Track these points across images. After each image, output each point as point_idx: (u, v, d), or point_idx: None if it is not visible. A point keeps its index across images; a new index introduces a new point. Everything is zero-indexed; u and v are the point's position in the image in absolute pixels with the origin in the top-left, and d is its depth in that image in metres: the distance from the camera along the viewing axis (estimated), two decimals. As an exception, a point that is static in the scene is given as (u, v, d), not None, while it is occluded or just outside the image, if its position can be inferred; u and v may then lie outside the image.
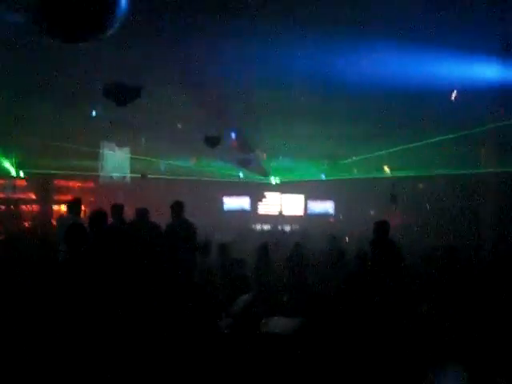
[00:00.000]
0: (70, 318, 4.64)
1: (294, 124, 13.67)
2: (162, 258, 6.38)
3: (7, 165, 13.20)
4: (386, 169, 17.47)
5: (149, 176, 16.23)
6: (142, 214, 7.59)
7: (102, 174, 16.29)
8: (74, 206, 7.30)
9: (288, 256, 9.99)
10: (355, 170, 16.77)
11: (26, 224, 12.81)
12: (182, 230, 7.02)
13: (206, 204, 18.31)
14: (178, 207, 7.21)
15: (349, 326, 5.56)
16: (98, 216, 6.06)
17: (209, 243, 8.17)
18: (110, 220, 6.70)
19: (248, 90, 11.29)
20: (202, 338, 4.51)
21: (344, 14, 8.58)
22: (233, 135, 11.99)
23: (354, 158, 15.84)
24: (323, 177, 18.48)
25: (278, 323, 5.35)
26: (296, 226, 18.02)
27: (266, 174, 19.04)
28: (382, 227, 6.93)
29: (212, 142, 11.37)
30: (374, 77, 10.35)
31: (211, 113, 12.18)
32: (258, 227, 17.91)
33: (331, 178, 18.10)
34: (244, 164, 15.44)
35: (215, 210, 19.28)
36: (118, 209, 7.39)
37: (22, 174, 13.99)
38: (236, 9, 8.30)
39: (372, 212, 20.71)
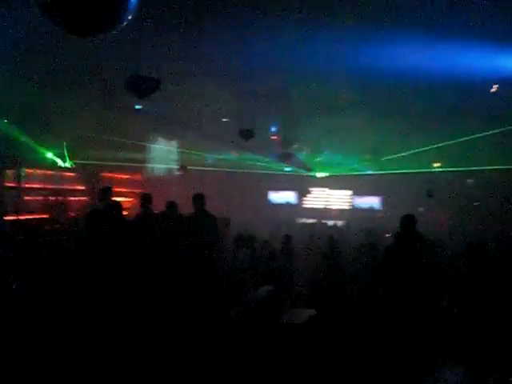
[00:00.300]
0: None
1: (338, 118, 13.65)
2: (180, 245, 6.65)
3: (54, 156, 13.67)
4: (436, 164, 17.20)
5: (189, 168, 16.48)
6: (171, 206, 7.85)
7: (149, 166, 16.72)
8: (103, 193, 7.58)
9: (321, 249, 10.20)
10: (400, 165, 16.50)
11: (73, 214, 13.25)
12: (201, 221, 7.21)
13: (252, 197, 18.51)
14: (199, 199, 7.40)
15: (360, 318, 5.61)
16: (114, 206, 6.28)
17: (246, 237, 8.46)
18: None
19: (291, 83, 11.37)
20: (207, 323, 4.67)
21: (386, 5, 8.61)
22: (273, 129, 12.03)
23: (400, 153, 15.57)
24: (369, 171, 18.30)
25: (301, 314, 5.44)
26: (340, 221, 17.95)
27: (309, 169, 19.02)
28: (408, 221, 6.89)
29: (246, 134, 11.51)
30: (419, 70, 10.27)
31: (253, 107, 12.35)
32: (303, 221, 17.91)
33: (378, 172, 17.91)
34: (284, 159, 15.51)
35: (261, 203, 19.40)
36: (146, 198, 7.64)
37: (68, 165, 14.51)
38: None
39: (421, 209, 20.36)
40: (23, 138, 11.61)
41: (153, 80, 8.05)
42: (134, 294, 5.24)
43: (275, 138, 12.45)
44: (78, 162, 14.23)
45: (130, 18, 4.19)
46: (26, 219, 11.58)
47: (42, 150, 13.03)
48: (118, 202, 6.70)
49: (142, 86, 7.91)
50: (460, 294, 6.18)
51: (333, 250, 10.05)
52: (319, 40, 9.32)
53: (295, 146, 13.51)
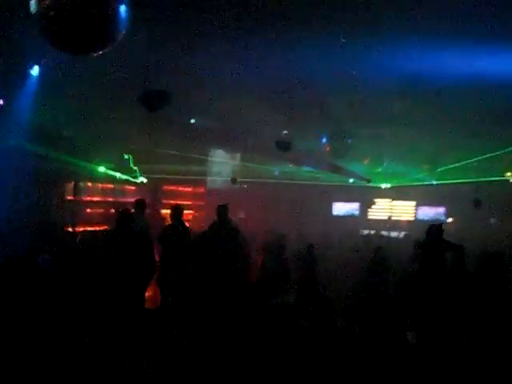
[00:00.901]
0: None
1: (392, 129, 13.48)
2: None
3: (111, 170, 14.26)
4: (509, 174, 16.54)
5: (238, 180, 16.80)
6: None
7: (210, 179, 17.13)
8: (137, 206, 8.01)
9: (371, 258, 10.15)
10: (465, 174, 15.97)
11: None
12: (224, 230, 7.42)
13: (315, 209, 18.50)
14: (222, 209, 7.64)
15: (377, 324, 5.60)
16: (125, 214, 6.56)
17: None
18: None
19: (347, 93, 11.37)
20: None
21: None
22: (324, 140, 12.04)
23: (462, 161, 15.09)
24: (434, 181, 17.83)
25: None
26: (402, 232, 17.57)
27: (369, 181, 18.78)
28: (434, 230, 6.83)
29: (283, 146, 11.56)
30: (476, 81, 10.04)
31: (307, 118, 12.41)
32: (365, 232, 17.66)
33: (443, 182, 17.41)
34: (335, 170, 15.46)
35: (324, 214, 19.33)
36: (176, 211, 7.92)
37: (143, 180, 15.14)
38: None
39: (492, 220, 19.52)
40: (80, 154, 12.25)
41: (163, 94, 8.32)
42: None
43: (327, 148, 12.43)
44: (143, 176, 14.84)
45: (120, 37, 4.41)
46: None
47: (97, 164, 13.63)
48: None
49: (153, 100, 8.18)
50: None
51: (380, 261, 9.99)
52: (368, 50, 9.33)
53: (348, 157, 13.38)
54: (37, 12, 4.12)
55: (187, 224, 8.57)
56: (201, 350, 5.08)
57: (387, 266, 9.71)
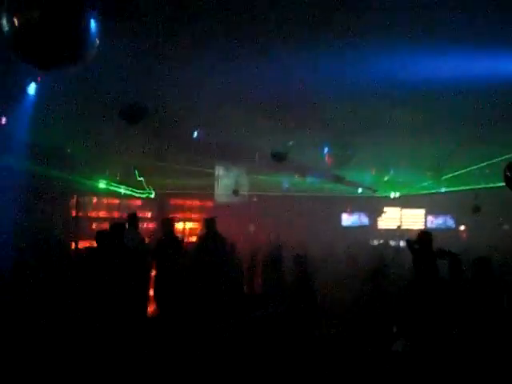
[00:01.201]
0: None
1: (399, 137, 13.42)
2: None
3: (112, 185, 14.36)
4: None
5: (241, 192, 16.84)
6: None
7: (217, 192, 17.17)
8: (131, 220, 8.07)
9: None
10: (472, 181, 15.80)
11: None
12: (213, 242, 7.49)
13: (324, 220, 18.45)
14: (209, 222, 7.77)
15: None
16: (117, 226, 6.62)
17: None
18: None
19: (349, 102, 11.37)
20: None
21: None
22: (326, 150, 12.01)
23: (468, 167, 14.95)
24: (443, 189, 17.67)
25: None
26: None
27: (375, 191, 18.67)
28: (423, 238, 6.77)
29: (279, 157, 11.53)
30: (476, 86, 9.99)
31: (308, 128, 12.41)
32: (375, 242, 17.56)
33: (451, 189, 17.25)
34: (337, 180, 15.40)
35: (333, 225, 19.23)
36: (167, 223, 7.98)
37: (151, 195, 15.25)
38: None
39: (507, 227, 19.28)
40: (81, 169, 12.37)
41: (142, 107, 8.40)
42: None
43: (328, 159, 12.40)
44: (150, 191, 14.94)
45: (91, 54, 4.48)
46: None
47: (99, 180, 13.71)
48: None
49: (132, 114, 8.26)
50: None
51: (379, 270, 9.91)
52: (366, 57, 9.34)
53: (353, 167, 13.35)
54: (8, 30, 4.21)
55: (194, 237, 8.69)
56: (194, 361, 5.14)
57: (387, 274, 9.63)
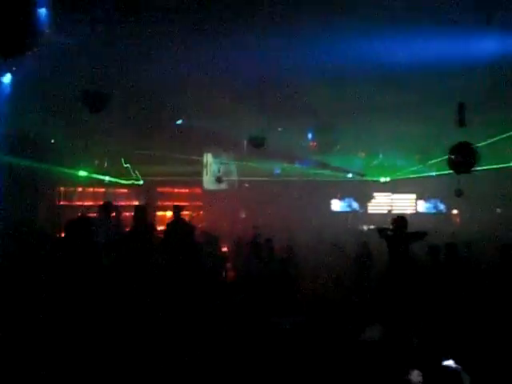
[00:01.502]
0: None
1: (384, 119, 13.36)
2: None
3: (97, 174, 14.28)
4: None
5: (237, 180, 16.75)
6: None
7: (205, 179, 17.10)
8: (103, 208, 7.99)
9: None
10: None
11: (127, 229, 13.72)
12: (179, 228, 7.54)
13: (312, 205, 18.33)
14: (177, 209, 7.73)
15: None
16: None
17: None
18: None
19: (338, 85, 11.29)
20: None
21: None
22: (310, 136, 11.92)
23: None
24: (433, 173, 17.56)
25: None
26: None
27: (363, 175, 18.57)
28: (399, 222, 6.85)
29: (256, 143, 11.40)
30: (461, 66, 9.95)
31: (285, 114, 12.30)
32: (365, 227, 17.49)
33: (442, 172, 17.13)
34: (322, 166, 15.35)
35: (321, 211, 19.12)
36: (139, 212, 7.84)
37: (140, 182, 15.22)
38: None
39: (499, 210, 19.18)
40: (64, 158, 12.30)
41: (105, 95, 8.30)
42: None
43: (313, 144, 12.32)
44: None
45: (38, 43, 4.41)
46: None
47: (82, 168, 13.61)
48: None
49: (95, 101, 8.15)
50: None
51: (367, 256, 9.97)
52: (350, 39, 9.28)
53: (342, 151, 13.28)
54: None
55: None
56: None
57: (368, 261, 9.66)
